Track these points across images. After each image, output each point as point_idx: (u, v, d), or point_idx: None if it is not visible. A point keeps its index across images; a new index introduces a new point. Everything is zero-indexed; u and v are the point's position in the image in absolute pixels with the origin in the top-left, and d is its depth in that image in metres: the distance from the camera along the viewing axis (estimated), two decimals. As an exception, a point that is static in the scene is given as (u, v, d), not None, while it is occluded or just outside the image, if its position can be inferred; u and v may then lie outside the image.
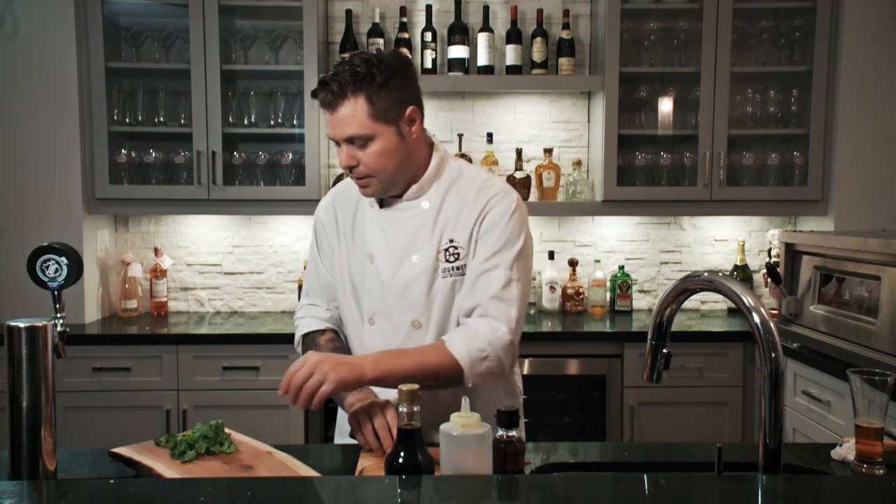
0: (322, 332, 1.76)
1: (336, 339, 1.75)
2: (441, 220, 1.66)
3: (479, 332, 1.57)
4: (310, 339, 1.76)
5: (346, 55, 1.61)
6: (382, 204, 1.70)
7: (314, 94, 1.60)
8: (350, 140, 1.58)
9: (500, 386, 1.74)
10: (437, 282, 1.64)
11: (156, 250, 3.50)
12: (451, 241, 1.65)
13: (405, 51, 3.30)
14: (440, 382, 1.56)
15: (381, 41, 3.36)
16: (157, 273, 3.48)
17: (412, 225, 1.66)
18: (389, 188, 1.65)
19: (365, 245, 1.70)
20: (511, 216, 1.65)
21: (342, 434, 1.78)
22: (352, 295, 1.72)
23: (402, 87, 1.60)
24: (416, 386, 1.26)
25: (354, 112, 1.55)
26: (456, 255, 1.64)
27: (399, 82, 1.59)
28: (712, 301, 3.67)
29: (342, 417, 1.80)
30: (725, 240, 3.65)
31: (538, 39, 3.37)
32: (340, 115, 1.56)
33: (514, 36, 3.38)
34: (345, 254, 1.73)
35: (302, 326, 1.80)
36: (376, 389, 1.62)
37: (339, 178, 3.37)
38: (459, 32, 3.35)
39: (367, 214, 1.72)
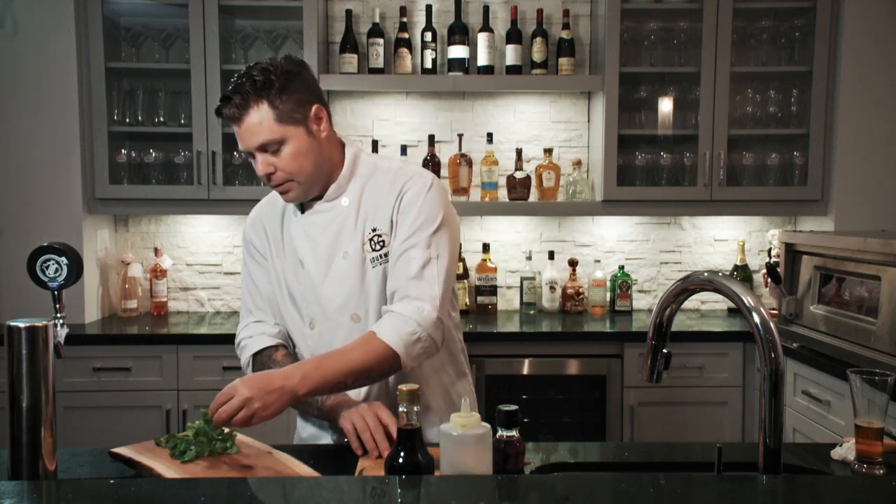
0: (276, 348, 1.73)
1: (290, 355, 1.74)
2: (362, 213, 1.67)
3: (406, 315, 1.57)
4: (265, 357, 1.72)
5: (242, 69, 1.62)
6: (304, 209, 1.71)
7: (218, 112, 1.60)
8: (263, 148, 1.59)
9: (448, 368, 1.76)
10: (367, 273, 1.66)
11: (156, 250, 3.50)
12: (374, 229, 1.66)
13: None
14: (375, 377, 1.58)
15: (381, 41, 3.36)
16: (157, 273, 3.48)
17: (335, 224, 1.68)
18: (309, 190, 1.66)
19: (295, 252, 1.71)
20: (426, 194, 1.64)
21: (303, 439, 1.80)
22: (291, 303, 1.73)
23: (301, 89, 1.61)
24: (416, 386, 1.26)
25: (261, 119, 1.57)
26: (381, 243, 1.66)
27: (297, 84, 1.60)
28: (712, 301, 3.67)
29: (300, 423, 1.81)
30: (725, 240, 3.65)
31: (538, 39, 3.37)
32: (248, 125, 1.57)
33: (514, 36, 3.38)
34: (279, 264, 1.74)
35: (251, 346, 1.75)
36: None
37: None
38: (459, 32, 3.35)
39: (293, 222, 1.73)
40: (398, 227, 1.64)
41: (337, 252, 1.67)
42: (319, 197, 1.69)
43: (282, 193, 1.65)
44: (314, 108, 1.63)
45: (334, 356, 1.55)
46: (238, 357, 1.80)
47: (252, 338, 1.76)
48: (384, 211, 1.66)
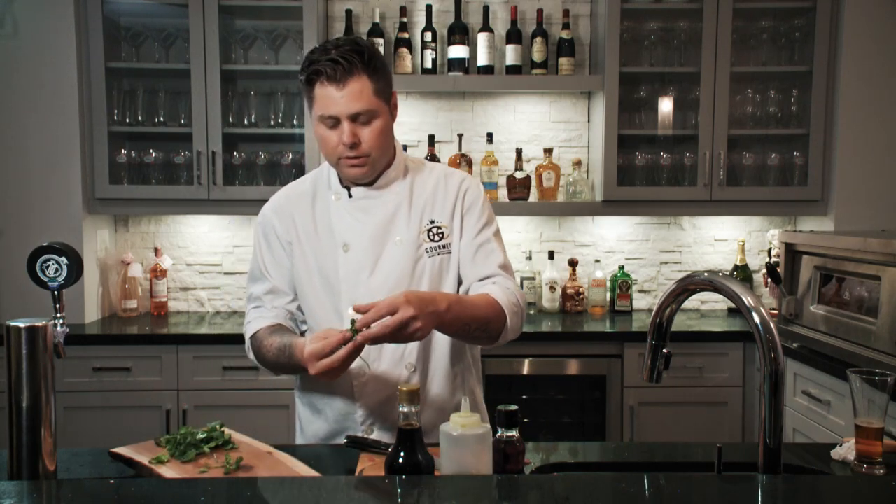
0: (268, 328, 1.73)
1: (278, 332, 1.71)
2: (417, 204, 1.72)
3: (510, 289, 1.68)
4: (260, 337, 1.72)
5: (328, 42, 1.64)
6: (350, 194, 1.73)
7: (316, 73, 1.60)
8: (355, 117, 1.61)
9: (474, 374, 1.81)
10: (421, 261, 1.69)
11: (156, 250, 3.50)
12: (432, 221, 1.72)
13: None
14: (489, 332, 1.63)
15: (381, 41, 3.36)
16: (157, 273, 3.48)
17: (389, 209, 1.71)
18: (376, 170, 1.69)
19: (335, 237, 1.71)
20: (484, 198, 1.79)
21: (309, 436, 1.78)
22: (323, 289, 1.71)
23: (388, 73, 1.68)
24: (416, 386, 1.26)
25: (362, 88, 1.60)
26: (441, 235, 1.72)
27: (385, 66, 1.66)
28: (712, 301, 3.67)
29: (306, 420, 1.80)
30: (725, 240, 3.65)
31: (538, 39, 3.37)
32: (351, 90, 1.59)
33: (514, 36, 3.38)
34: (308, 249, 1.73)
35: (247, 332, 1.78)
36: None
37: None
38: (459, 32, 3.35)
39: (332, 207, 1.73)
40: (465, 223, 1.73)
41: (390, 237, 1.69)
42: (369, 183, 1.71)
43: (353, 167, 1.65)
44: (394, 93, 1.70)
45: (468, 301, 1.60)
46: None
47: (250, 323, 1.79)
48: (442, 204, 1.73)
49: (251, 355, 1.79)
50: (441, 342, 1.70)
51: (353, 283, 1.69)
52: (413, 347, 1.68)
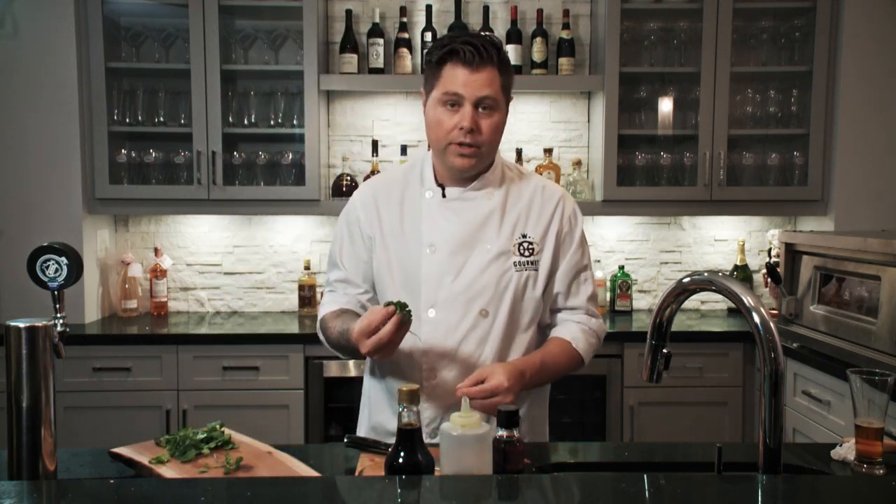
0: (336, 312, 1.73)
1: (350, 315, 1.71)
2: (510, 214, 1.72)
3: (594, 330, 1.77)
4: (330, 318, 1.72)
5: (462, 32, 1.68)
6: (444, 194, 1.72)
7: (451, 53, 1.62)
8: (480, 102, 1.62)
9: (543, 391, 1.84)
10: (508, 273, 1.69)
11: (156, 250, 3.50)
12: (525, 235, 1.71)
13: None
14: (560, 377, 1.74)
15: (381, 41, 3.36)
16: (157, 273, 3.48)
17: (481, 214, 1.70)
18: (481, 165, 1.70)
19: (421, 235, 1.70)
20: (580, 219, 1.80)
21: (371, 429, 1.77)
22: (402, 287, 1.70)
23: (513, 73, 1.72)
24: (416, 386, 1.26)
25: (493, 78, 1.63)
26: (531, 251, 1.71)
27: (511, 67, 1.70)
28: (712, 301, 3.67)
29: (376, 406, 1.78)
30: (725, 240, 3.65)
31: (538, 39, 3.37)
32: (483, 75, 1.61)
33: (514, 36, 3.38)
34: (392, 246, 1.72)
35: (320, 314, 1.79)
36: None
37: (339, 179, 3.37)
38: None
39: (423, 204, 1.72)
40: (564, 246, 1.75)
41: (478, 244, 1.69)
42: (464, 183, 1.71)
43: (462, 156, 1.64)
44: (511, 99, 1.72)
45: (549, 360, 1.67)
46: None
47: (322, 305, 1.80)
48: (536, 220, 1.73)
49: (321, 336, 1.78)
50: (513, 354, 1.70)
51: (435, 284, 1.68)
52: (486, 358, 1.67)
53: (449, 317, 1.67)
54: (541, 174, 3.40)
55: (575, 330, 1.74)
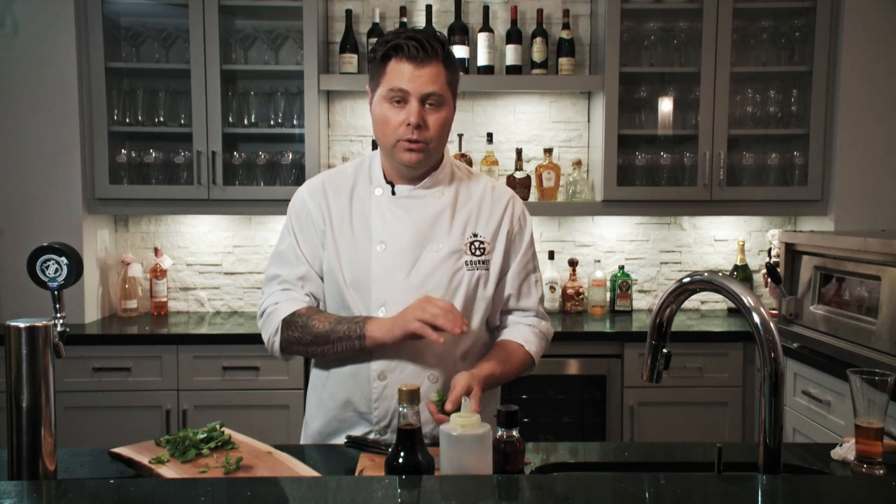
0: (306, 308, 1.67)
1: (322, 311, 1.70)
2: (461, 213, 1.71)
3: (544, 332, 1.81)
4: (297, 317, 1.65)
5: (407, 28, 1.68)
6: (394, 191, 1.70)
7: (395, 49, 1.60)
8: (425, 98, 1.61)
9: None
10: (459, 272, 1.68)
11: (156, 250, 3.50)
12: (475, 234, 1.71)
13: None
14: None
15: (381, 41, 3.36)
16: (157, 273, 3.48)
17: (431, 212, 1.69)
18: (429, 162, 1.69)
19: (371, 233, 1.68)
20: (529, 218, 1.81)
21: (311, 433, 1.77)
22: (352, 286, 1.67)
23: (458, 69, 1.71)
24: (416, 385, 1.26)
25: (438, 73, 1.62)
26: (482, 250, 1.71)
27: (457, 63, 1.70)
28: (712, 301, 3.67)
29: (309, 415, 1.78)
30: (725, 240, 3.65)
31: (538, 39, 3.37)
32: (428, 70, 1.60)
33: (514, 36, 3.38)
34: (342, 243, 1.69)
35: (278, 311, 1.67)
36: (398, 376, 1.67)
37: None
38: (459, 32, 3.35)
39: (372, 202, 1.70)
40: (514, 246, 1.76)
41: (429, 242, 1.68)
42: (413, 182, 1.70)
43: (410, 151, 1.63)
44: (458, 94, 1.72)
45: (502, 363, 1.68)
46: (259, 331, 1.73)
47: (279, 304, 1.69)
48: (487, 219, 1.73)
49: (274, 337, 1.68)
50: (461, 352, 1.69)
51: (386, 283, 1.65)
52: (435, 358, 1.66)
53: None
54: (541, 174, 3.41)
55: (528, 333, 1.76)
